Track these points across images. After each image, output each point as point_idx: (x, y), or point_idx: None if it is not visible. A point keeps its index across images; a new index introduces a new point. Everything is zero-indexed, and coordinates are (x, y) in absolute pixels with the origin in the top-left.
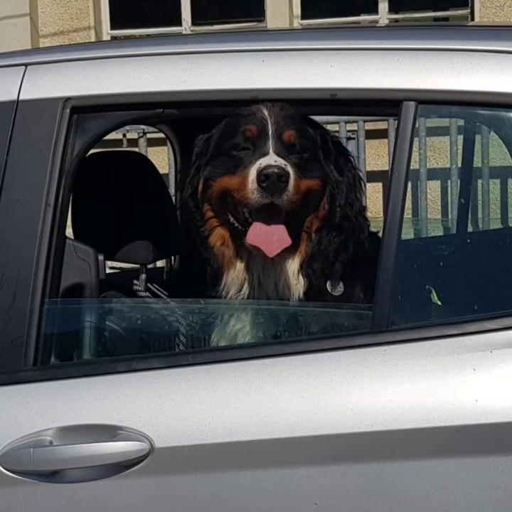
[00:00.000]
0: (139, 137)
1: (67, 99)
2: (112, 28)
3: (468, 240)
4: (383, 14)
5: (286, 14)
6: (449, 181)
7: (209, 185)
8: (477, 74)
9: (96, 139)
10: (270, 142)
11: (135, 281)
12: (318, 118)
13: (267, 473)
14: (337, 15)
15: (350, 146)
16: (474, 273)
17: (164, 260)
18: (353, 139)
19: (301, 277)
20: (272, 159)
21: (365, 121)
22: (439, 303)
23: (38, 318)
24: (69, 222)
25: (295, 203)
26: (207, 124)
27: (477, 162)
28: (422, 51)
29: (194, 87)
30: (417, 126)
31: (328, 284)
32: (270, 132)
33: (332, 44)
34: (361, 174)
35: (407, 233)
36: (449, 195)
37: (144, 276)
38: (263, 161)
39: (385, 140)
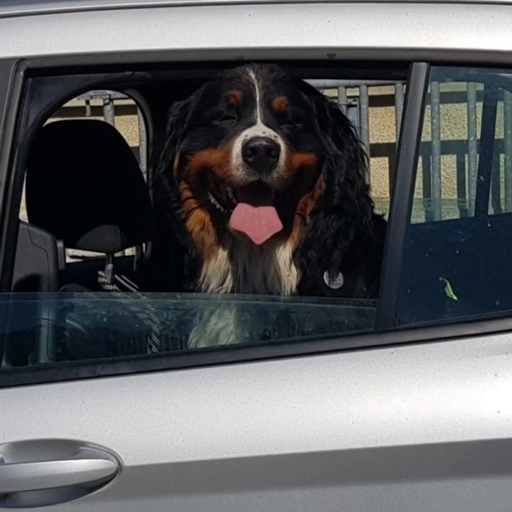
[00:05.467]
0: (105, 104)
1: (21, 59)
2: None
3: (489, 224)
4: None
5: None
6: (466, 156)
7: (186, 161)
8: (499, 30)
9: (54, 107)
10: (258, 110)
11: (100, 273)
12: (313, 82)
13: (254, 495)
14: None
15: (351, 115)
16: (495, 263)
17: (134, 248)
18: (355, 106)
19: (293, 268)
20: (259, 130)
21: (368, 86)
22: (455, 297)
23: None
24: (23, 204)
25: (287, 180)
26: (184, 89)
27: (499, 133)
28: (435, 4)
29: (169, 45)
30: (429, 91)
31: (325, 275)
32: (258, 98)
33: None
34: (364, 147)
35: (418, 216)
36: (467, 171)
37: (110, 266)
38: (249, 132)
39: (392, 108)
